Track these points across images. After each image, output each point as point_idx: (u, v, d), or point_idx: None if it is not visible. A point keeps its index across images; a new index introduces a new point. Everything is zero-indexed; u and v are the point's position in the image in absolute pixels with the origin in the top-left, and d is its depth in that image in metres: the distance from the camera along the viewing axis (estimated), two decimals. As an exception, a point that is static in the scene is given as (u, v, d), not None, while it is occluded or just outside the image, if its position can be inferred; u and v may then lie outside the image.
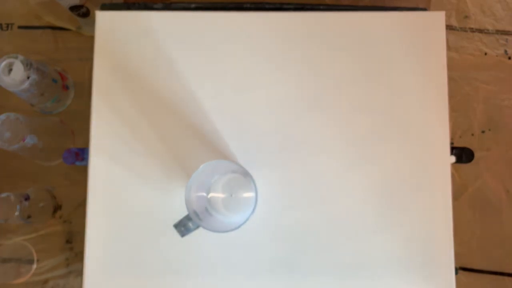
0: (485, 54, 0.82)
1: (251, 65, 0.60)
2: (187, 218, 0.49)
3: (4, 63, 0.64)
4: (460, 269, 0.77)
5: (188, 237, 0.50)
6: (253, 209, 0.49)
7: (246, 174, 0.50)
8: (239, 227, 0.48)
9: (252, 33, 0.60)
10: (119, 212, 0.58)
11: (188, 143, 0.58)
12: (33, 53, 0.79)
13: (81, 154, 0.63)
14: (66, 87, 0.77)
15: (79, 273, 0.74)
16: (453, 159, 0.61)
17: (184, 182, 0.56)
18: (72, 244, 0.76)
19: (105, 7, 0.64)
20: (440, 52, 0.60)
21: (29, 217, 0.70)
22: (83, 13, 0.74)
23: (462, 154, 0.63)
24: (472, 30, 0.82)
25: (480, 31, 0.82)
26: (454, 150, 0.62)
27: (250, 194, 0.53)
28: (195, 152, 0.58)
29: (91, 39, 0.60)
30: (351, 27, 0.60)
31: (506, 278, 0.77)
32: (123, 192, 0.58)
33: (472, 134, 0.80)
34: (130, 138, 0.58)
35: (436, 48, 0.60)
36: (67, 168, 0.76)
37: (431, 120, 0.59)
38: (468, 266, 0.77)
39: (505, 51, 0.82)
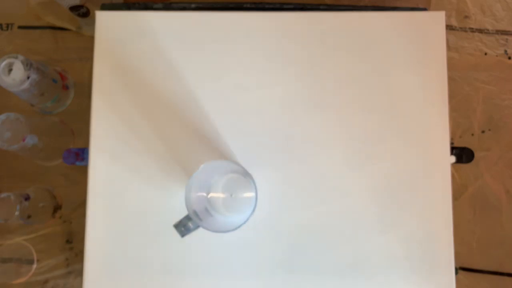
0: (485, 54, 0.82)
1: (251, 65, 0.60)
2: (187, 218, 0.49)
3: (4, 63, 0.64)
4: (460, 269, 0.77)
5: (188, 237, 0.50)
6: (253, 209, 0.49)
7: (246, 174, 0.50)
8: (239, 227, 0.48)
9: (252, 33, 0.60)
10: (119, 212, 0.58)
11: (188, 143, 0.58)
12: (33, 53, 0.79)
13: (81, 154, 0.63)
14: (66, 87, 0.77)
15: (79, 273, 0.74)
16: (453, 159, 0.61)
17: (184, 182, 0.56)
18: (72, 244, 0.76)
19: (105, 7, 0.64)
20: (440, 52, 0.60)
21: (29, 217, 0.70)
22: (83, 13, 0.74)
23: (462, 154, 0.62)
24: (472, 30, 0.82)
25: (480, 31, 0.82)
26: (454, 150, 0.62)
27: (250, 194, 0.53)
28: (195, 152, 0.58)
29: (91, 39, 0.60)
30: (351, 27, 0.60)
31: (506, 278, 0.77)
32: (123, 192, 0.58)
33: (472, 134, 0.80)
34: (130, 138, 0.58)
35: (436, 48, 0.60)
36: (67, 168, 0.76)
37: (431, 120, 0.59)
38: (468, 266, 0.77)
39: (505, 51, 0.82)
